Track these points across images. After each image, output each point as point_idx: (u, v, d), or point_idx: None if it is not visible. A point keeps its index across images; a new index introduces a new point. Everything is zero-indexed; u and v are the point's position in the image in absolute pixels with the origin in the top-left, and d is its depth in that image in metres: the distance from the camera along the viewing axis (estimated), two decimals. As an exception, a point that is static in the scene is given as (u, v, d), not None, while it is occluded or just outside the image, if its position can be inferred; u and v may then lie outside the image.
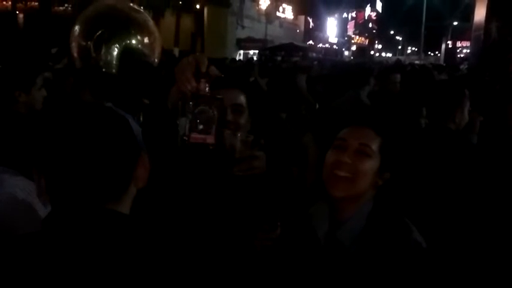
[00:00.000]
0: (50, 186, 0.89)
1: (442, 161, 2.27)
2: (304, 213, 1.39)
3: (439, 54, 46.36)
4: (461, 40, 42.13)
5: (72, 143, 0.87)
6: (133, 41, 2.70)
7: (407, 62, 20.16)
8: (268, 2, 29.14)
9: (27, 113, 2.28)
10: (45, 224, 0.89)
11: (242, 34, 26.25)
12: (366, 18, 60.67)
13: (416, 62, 29.92)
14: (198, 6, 22.28)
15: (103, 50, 2.60)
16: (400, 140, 1.34)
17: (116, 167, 0.90)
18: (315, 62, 14.03)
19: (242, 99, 1.56)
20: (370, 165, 1.26)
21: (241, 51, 26.02)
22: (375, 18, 63.21)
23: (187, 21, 22.27)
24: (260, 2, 28.69)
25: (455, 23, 47.60)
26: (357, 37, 57.26)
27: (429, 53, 59.20)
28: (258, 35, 27.07)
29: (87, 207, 0.87)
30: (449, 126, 2.41)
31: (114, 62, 2.61)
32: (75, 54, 2.92)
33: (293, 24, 36.85)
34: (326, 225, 1.31)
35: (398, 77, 4.41)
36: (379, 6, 64.20)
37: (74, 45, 2.92)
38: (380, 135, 1.29)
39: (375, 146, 1.27)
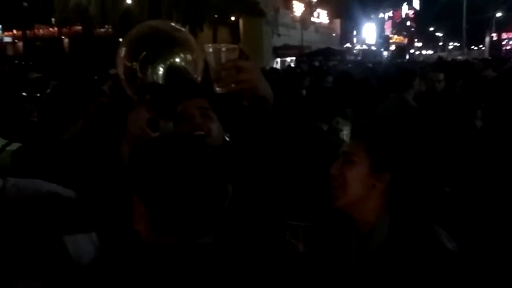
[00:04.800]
0: (154, 214, 0.92)
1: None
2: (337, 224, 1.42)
3: (483, 48, 44.62)
4: (507, 31, 40.42)
5: (183, 175, 0.90)
6: (177, 60, 2.78)
7: (449, 59, 19.51)
8: (303, 8, 29.10)
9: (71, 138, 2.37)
10: (147, 251, 0.91)
11: (278, 42, 26.29)
12: (404, 16, 59.36)
13: (459, 57, 28.94)
14: (233, 18, 22.57)
15: (149, 70, 2.69)
16: (395, 138, 1.35)
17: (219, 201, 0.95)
18: (349, 65, 13.78)
19: (206, 104, 1.57)
20: (356, 171, 1.32)
21: (278, 59, 26.06)
22: (412, 16, 61.74)
23: (223, 34, 22.58)
24: (294, 9, 28.69)
25: (499, 14, 45.74)
26: (395, 36, 56.07)
27: (472, 47, 57.08)
28: (294, 41, 27.03)
29: (189, 240, 0.91)
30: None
31: (160, 82, 2.70)
32: (122, 76, 3.04)
33: (329, 28, 36.60)
34: (354, 238, 1.36)
35: (441, 76, 4.31)
36: (416, 3, 62.67)
37: (120, 68, 3.04)
38: (363, 140, 1.35)
39: (358, 151, 1.33)
